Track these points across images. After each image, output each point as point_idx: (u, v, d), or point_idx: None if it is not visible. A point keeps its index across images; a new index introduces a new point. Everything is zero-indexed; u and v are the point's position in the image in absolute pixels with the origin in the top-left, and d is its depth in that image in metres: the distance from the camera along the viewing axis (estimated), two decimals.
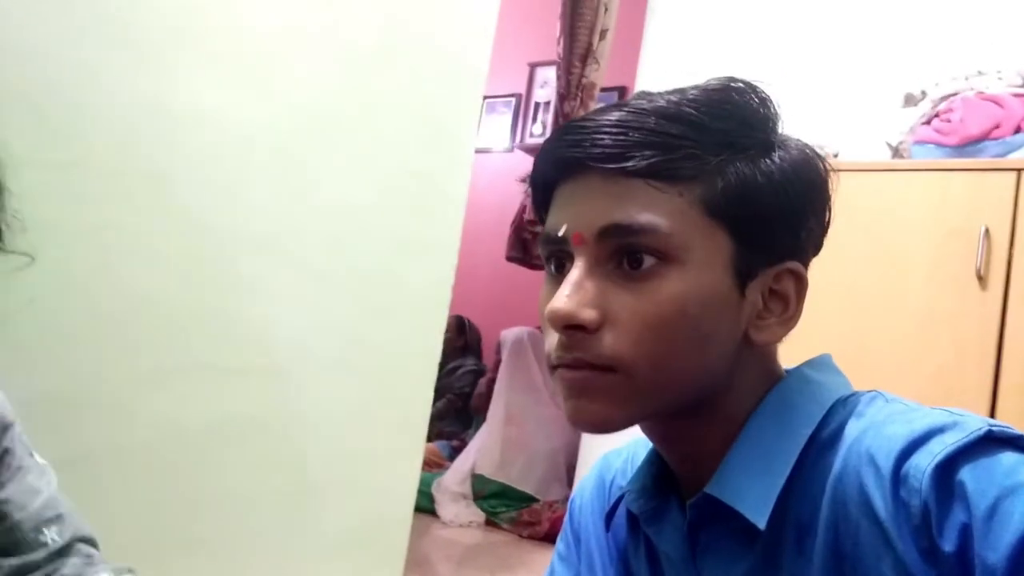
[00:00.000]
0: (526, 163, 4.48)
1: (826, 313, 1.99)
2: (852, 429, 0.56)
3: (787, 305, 0.61)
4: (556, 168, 0.61)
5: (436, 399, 4.02)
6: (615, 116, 0.58)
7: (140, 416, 1.39)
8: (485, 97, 4.78)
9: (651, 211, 0.56)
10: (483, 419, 3.72)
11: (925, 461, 0.50)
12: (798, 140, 0.63)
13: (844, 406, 0.59)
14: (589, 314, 0.56)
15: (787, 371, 0.64)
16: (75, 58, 1.23)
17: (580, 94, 2.92)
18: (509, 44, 3.36)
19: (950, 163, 2.01)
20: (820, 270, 2.29)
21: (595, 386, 0.57)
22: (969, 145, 2.02)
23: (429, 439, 3.74)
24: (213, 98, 1.44)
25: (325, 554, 1.77)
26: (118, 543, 1.39)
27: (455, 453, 3.76)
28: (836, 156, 2.33)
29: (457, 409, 4.11)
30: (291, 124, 1.59)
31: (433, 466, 3.61)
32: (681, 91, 0.60)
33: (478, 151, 4.73)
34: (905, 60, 2.48)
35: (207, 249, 1.47)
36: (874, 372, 1.87)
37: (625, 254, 0.57)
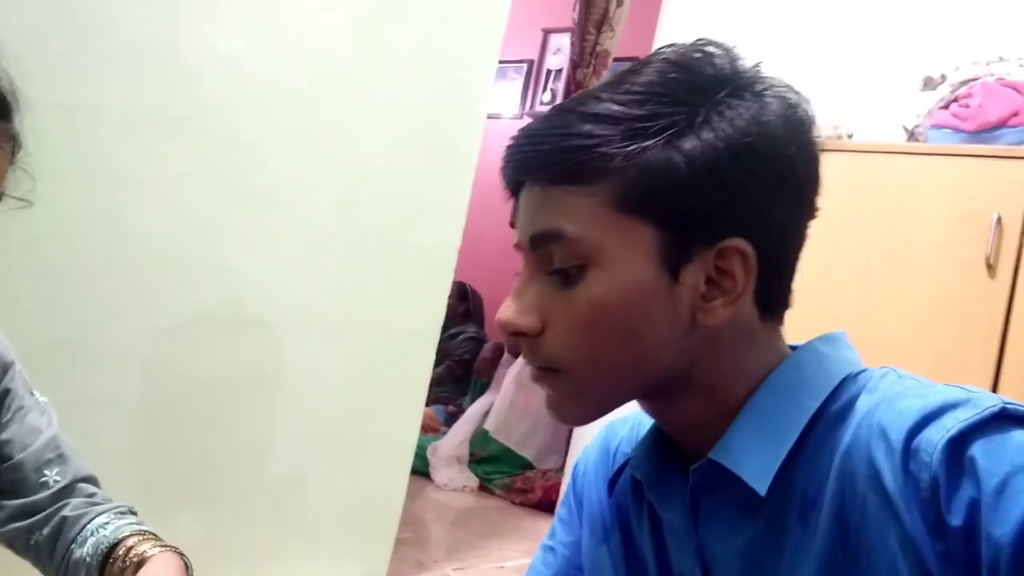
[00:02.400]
0: None
1: (833, 293, 1.99)
2: (864, 403, 0.56)
3: (734, 283, 0.57)
4: (505, 181, 0.63)
5: (436, 364, 4.04)
6: (537, 126, 0.59)
7: (144, 365, 1.39)
8: (497, 62, 4.76)
9: (563, 217, 0.57)
10: (486, 384, 3.73)
11: (937, 435, 0.50)
12: (754, 104, 0.57)
13: (855, 381, 0.59)
14: (528, 320, 0.59)
15: (800, 345, 0.63)
16: (96, 4, 1.21)
17: (594, 62, 2.89)
18: (523, 9, 3.32)
19: (966, 148, 1.99)
20: (829, 250, 2.28)
21: (549, 384, 0.61)
22: (986, 131, 2.00)
23: (426, 404, 3.76)
24: (229, 49, 1.43)
25: (324, 507, 1.79)
26: (118, 488, 1.40)
27: (451, 419, 3.78)
28: (851, 137, 2.31)
29: (456, 375, 4.12)
30: (305, 81, 1.57)
31: (429, 430, 3.63)
32: (610, 82, 0.59)
33: (488, 116, 4.71)
34: (925, 43, 2.44)
35: (217, 202, 1.47)
36: (877, 353, 1.86)
37: (552, 261, 0.58)
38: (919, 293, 1.93)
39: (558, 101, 4.59)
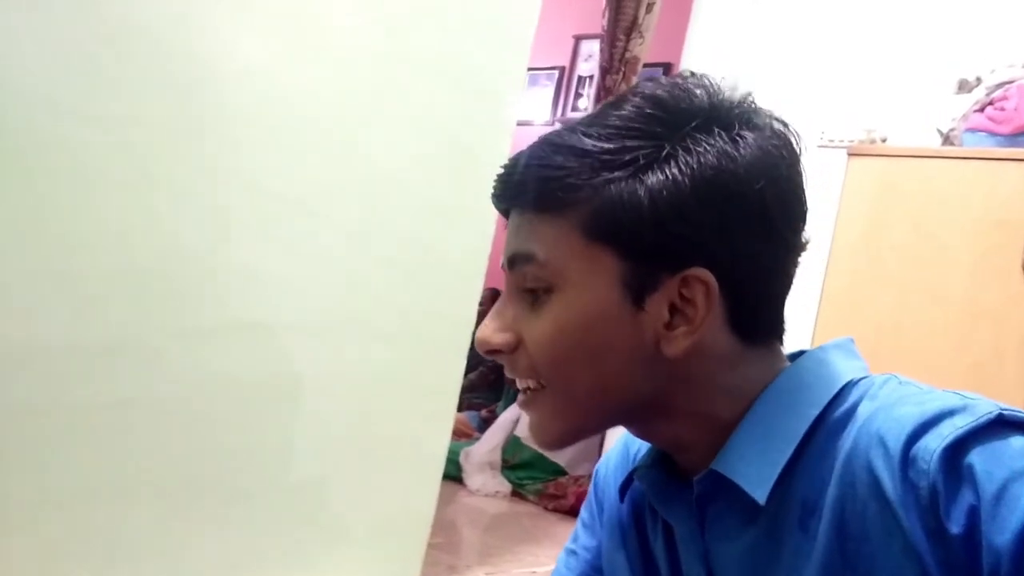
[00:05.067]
0: None
1: (863, 300, 1.97)
2: (864, 410, 0.56)
3: (696, 312, 0.58)
4: (495, 206, 0.67)
5: (469, 370, 4.05)
6: (520, 156, 0.63)
7: (178, 368, 1.42)
8: (528, 69, 4.77)
9: (534, 241, 0.60)
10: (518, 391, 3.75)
11: (935, 443, 0.50)
12: (723, 137, 0.58)
13: (857, 388, 0.59)
14: (501, 338, 0.63)
15: (803, 352, 0.64)
16: (127, 13, 1.24)
17: (623, 68, 2.90)
18: (554, 16, 3.34)
19: (1001, 152, 1.97)
20: (861, 256, 2.26)
21: (530, 407, 0.64)
22: (1022, 135, 1.97)
23: (459, 409, 3.78)
24: (259, 58, 1.46)
25: (355, 512, 1.81)
26: (151, 490, 1.44)
27: (484, 424, 3.79)
28: (884, 141, 2.29)
29: (489, 381, 4.14)
30: (335, 88, 1.60)
31: (462, 436, 3.65)
32: (591, 116, 0.62)
33: (519, 123, 4.72)
34: (960, 45, 2.41)
35: (250, 209, 1.50)
36: (908, 363, 1.85)
37: (526, 281, 0.61)
38: (952, 300, 1.91)
39: (590, 107, 4.60)
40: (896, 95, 2.49)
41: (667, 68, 4.37)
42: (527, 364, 0.62)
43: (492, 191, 0.66)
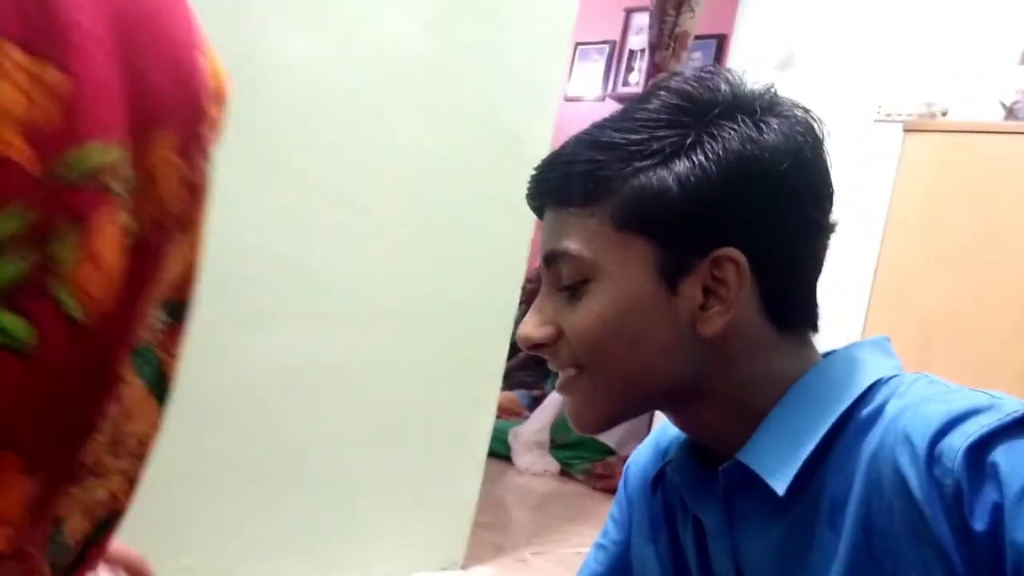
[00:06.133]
0: None
1: (917, 283, 1.91)
2: (891, 408, 0.57)
3: (728, 291, 0.60)
4: (530, 206, 0.69)
5: (518, 349, 4.06)
6: (553, 155, 0.65)
7: (221, 357, 1.46)
8: (578, 44, 4.72)
9: (566, 237, 0.63)
10: None
11: (960, 441, 0.51)
12: (748, 123, 0.60)
13: (887, 386, 0.59)
14: (543, 332, 0.64)
15: (836, 350, 0.65)
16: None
17: (673, 44, 2.84)
18: None
19: None
20: (915, 238, 2.18)
21: (570, 391, 0.65)
22: None
23: (510, 388, 3.80)
24: (297, 48, 1.47)
25: (400, 494, 1.84)
26: (198, 477, 1.48)
27: (534, 402, 3.81)
28: (945, 115, 2.20)
29: (538, 360, 4.13)
30: (372, 73, 1.60)
31: (511, 414, 3.67)
32: (619, 112, 0.65)
33: (568, 99, 4.68)
34: None
35: (291, 200, 1.52)
36: (965, 346, 1.78)
37: (562, 277, 0.63)
38: (1012, 284, 1.83)
39: (640, 82, 4.52)
40: (957, 66, 2.39)
41: (720, 40, 4.27)
42: (568, 354, 0.64)
43: (527, 192, 0.68)
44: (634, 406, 0.65)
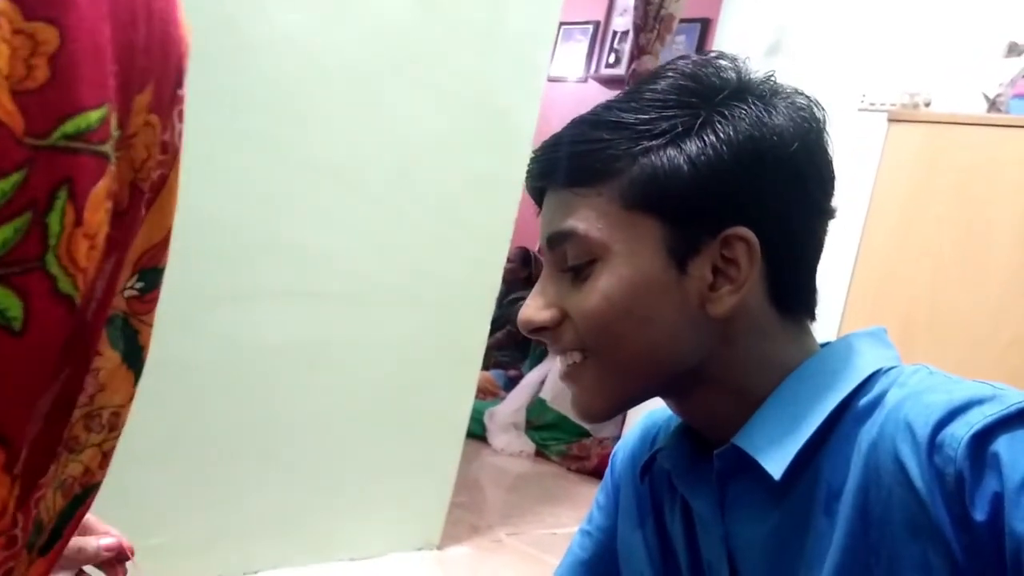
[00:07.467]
0: (601, 95, 4.38)
1: (898, 272, 1.92)
2: (892, 398, 0.57)
3: (739, 272, 0.60)
4: (529, 192, 0.69)
5: (496, 329, 4.05)
6: (555, 136, 0.64)
7: (206, 334, 1.43)
8: (562, 23, 4.67)
9: (572, 217, 0.62)
10: (544, 352, 3.74)
11: (962, 430, 0.51)
12: (757, 105, 0.61)
13: (886, 376, 0.59)
14: (545, 315, 0.64)
15: (835, 340, 0.65)
16: None
17: (657, 26, 2.82)
18: None
19: None
20: (899, 227, 2.19)
21: (575, 377, 0.64)
22: None
23: (486, 367, 3.79)
24: (288, 23, 1.43)
25: (379, 473, 1.83)
26: (185, 452, 1.46)
27: (511, 383, 3.81)
28: (928, 105, 2.21)
29: (516, 340, 4.14)
30: (362, 50, 1.57)
31: (488, 394, 3.66)
32: (625, 93, 0.64)
33: (551, 79, 4.65)
34: (1010, 4, 2.31)
35: (278, 175, 1.49)
36: (945, 339, 1.80)
37: (567, 259, 0.63)
38: (993, 276, 1.84)
39: (623, 64, 4.50)
40: (941, 57, 2.40)
41: (704, 24, 4.26)
42: (572, 337, 0.63)
43: (527, 173, 0.67)
44: (641, 391, 0.64)
